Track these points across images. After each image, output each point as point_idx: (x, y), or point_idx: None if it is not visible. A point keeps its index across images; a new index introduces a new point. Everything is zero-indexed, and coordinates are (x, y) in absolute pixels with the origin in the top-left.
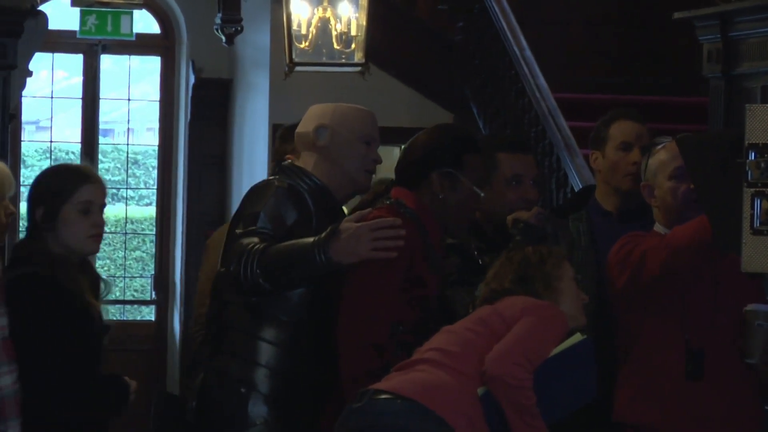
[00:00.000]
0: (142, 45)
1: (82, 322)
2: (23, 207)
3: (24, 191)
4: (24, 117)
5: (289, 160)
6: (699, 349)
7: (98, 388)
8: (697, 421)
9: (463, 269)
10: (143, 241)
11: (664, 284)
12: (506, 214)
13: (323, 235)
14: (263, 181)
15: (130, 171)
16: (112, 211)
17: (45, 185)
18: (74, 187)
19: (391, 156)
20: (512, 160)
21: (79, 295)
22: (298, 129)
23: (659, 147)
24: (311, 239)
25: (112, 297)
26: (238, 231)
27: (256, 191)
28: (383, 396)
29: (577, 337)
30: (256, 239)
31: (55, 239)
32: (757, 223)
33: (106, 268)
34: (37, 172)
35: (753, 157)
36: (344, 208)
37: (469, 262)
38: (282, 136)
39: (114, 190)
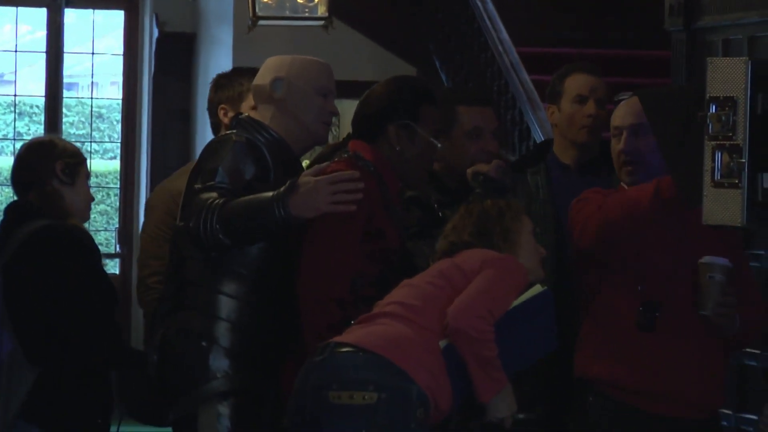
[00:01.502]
0: None
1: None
2: None
3: None
4: None
5: (246, 114)
6: (654, 301)
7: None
8: (653, 374)
9: (423, 222)
10: (107, 194)
11: (612, 243)
12: (467, 166)
13: (282, 189)
14: (220, 135)
15: (94, 125)
16: None
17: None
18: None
19: (354, 110)
20: (472, 112)
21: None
22: (255, 81)
23: (622, 100)
24: (270, 194)
25: None
26: (196, 186)
27: (214, 146)
28: (345, 349)
29: (537, 289)
30: (214, 194)
31: (62, 200)
32: (717, 176)
33: None
34: (1, 125)
35: (714, 110)
36: (304, 162)
37: (429, 215)
38: (217, 84)
39: (78, 144)
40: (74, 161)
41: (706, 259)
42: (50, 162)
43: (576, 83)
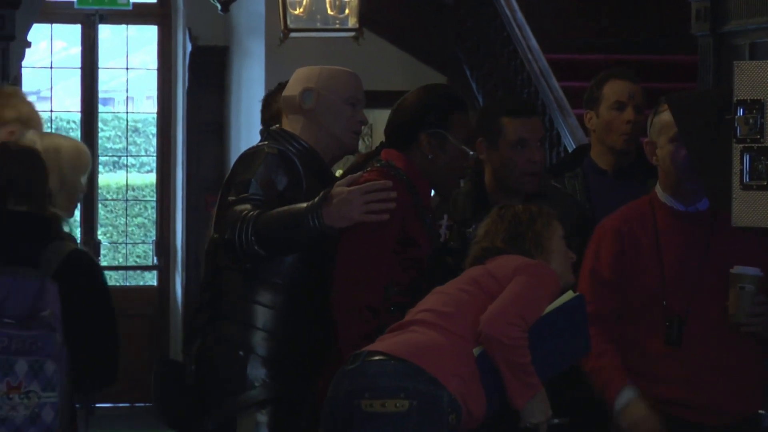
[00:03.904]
0: (139, 14)
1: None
2: None
3: None
4: (24, 87)
5: (277, 126)
6: (678, 314)
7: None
8: (683, 387)
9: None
10: (144, 207)
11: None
12: (514, 177)
13: (316, 200)
14: (253, 147)
15: (130, 139)
16: (114, 179)
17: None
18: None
19: (386, 119)
20: (516, 124)
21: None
22: (285, 93)
23: (666, 106)
24: (304, 204)
25: (114, 263)
26: (230, 198)
27: (247, 158)
28: (377, 357)
29: (570, 295)
30: (248, 206)
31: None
32: (746, 179)
33: (108, 235)
34: None
35: (741, 114)
36: (337, 171)
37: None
38: (266, 101)
39: (115, 158)
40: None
41: (736, 269)
42: (41, 180)
43: (614, 89)
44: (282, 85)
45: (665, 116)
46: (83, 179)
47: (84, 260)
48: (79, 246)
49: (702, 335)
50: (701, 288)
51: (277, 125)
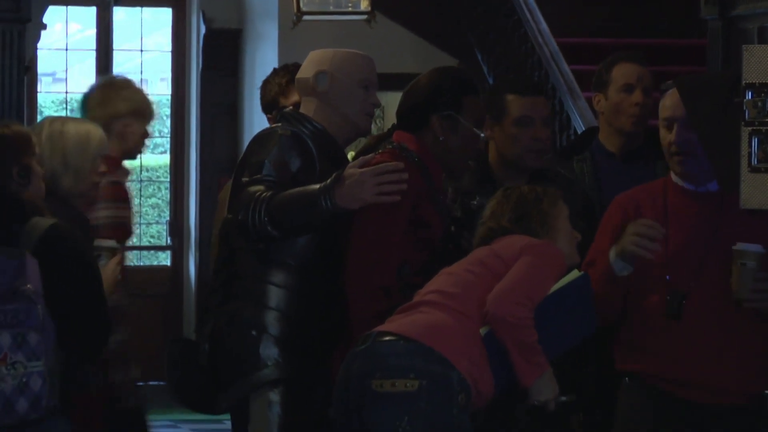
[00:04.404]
0: None
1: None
2: None
3: None
4: (40, 69)
5: (290, 107)
6: (680, 290)
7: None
8: (685, 364)
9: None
10: (158, 188)
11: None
12: (518, 154)
13: (328, 181)
14: (266, 129)
15: None
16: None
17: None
18: None
19: (398, 102)
20: (521, 101)
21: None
22: (298, 75)
23: (668, 90)
24: (317, 186)
25: (128, 243)
26: (244, 179)
27: (260, 139)
28: (387, 338)
29: (575, 274)
30: (261, 187)
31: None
32: (754, 161)
33: None
34: None
35: (750, 97)
36: (349, 153)
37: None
38: (264, 86)
39: None
40: (26, 161)
41: (738, 245)
42: (6, 165)
43: (623, 72)
44: (276, 71)
45: (663, 101)
46: (97, 162)
47: (63, 234)
48: (58, 222)
49: (704, 311)
50: (707, 265)
51: (290, 107)
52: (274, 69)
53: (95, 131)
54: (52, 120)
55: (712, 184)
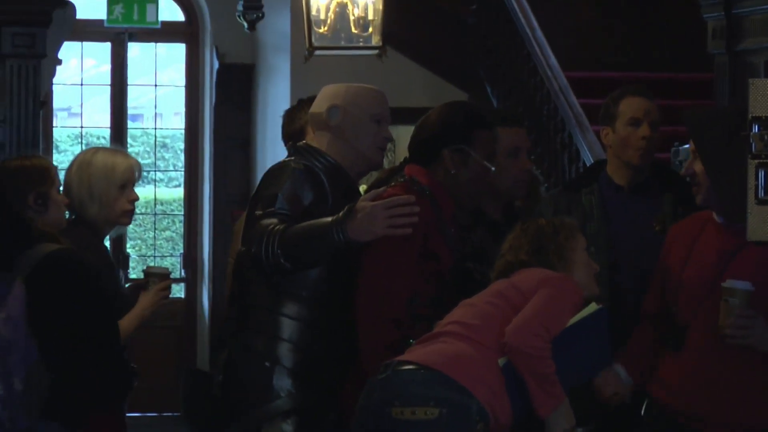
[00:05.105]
0: (167, 32)
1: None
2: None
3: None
4: (56, 104)
5: (304, 141)
6: (681, 321)
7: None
8: (681, 395)
9: (484, 242)
10: (173, 221)
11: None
12: (508, 186)
13: (341, 214)
14: (280, 162)
15: (158, 154)
16: (142, 193)
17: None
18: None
19: (409, 136)
20: (510, 133)
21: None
22: (312, 109)
23: (680, 149)
24: (329, 219)
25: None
26: (257, 212)
27: (274, 173)
28: (407, 367)
29: (593, 307)
30: (275, 220)
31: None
32: (761, 194)
33: (137, 248)
34: (69, 156)
35: (756, 130)
36: (361, 187)
37: (493, 232)
38: (289, 116)
39: (144, 173)
40: (44, 189)
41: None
42: (23, 193)
43: (630, 106)
44: (303, 102)
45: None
46: (124, 190)
47: (61, 261)
48: (63, 247)
49: (705, 344)
50: (711, 299)
51: (304, 141)
52: (300, 100)
53: (123, 161)
54: (87, 150)
55: None
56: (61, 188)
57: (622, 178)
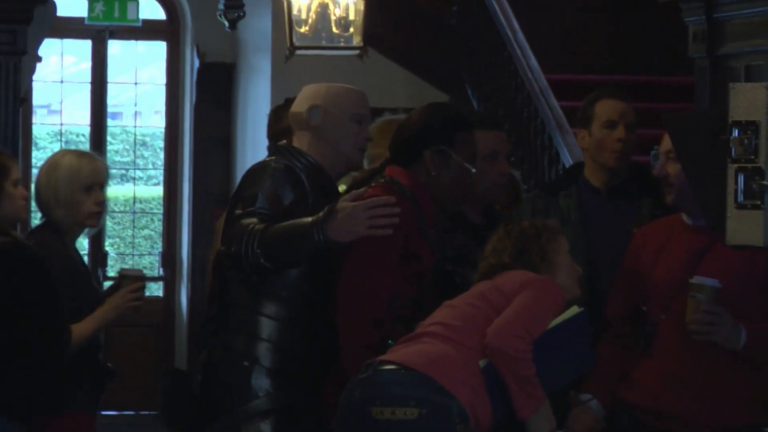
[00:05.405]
0: (148, 30)
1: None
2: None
3: (35, 172)
4: (35, 101)
5: (284, 141)
6: (650, 321)
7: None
8: (654, 395)
9: (465, 245)
10: (151, 219)
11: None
12: (487, 189)
13: (321, 214)
14: (260, 162)
15: (138, 152)
16: (122, 191)
17: None
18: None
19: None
20: (489, 136)
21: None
22: (292, 109)
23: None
24: (309, 219)
25: None
26: (237, 212)
27: (254, 172)
28: (388, 366)
29: (574, 310)
30: (255, 220)
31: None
32: (740, 198)
33: (115, 246)
34: (48, 153)
35: (736, 134)
36: (341, 186)
37: (473, 235)
38: (275, 114)
39: (123, 171)
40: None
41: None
42: None
43: (606, 108)
44: (289, 100)
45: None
46: (90, 193)
47: (12, 255)
48: (11, 240)
49: (675, 342)
50: (681, 298)
51: (284, 141)
52: (287, 99)
53: (88, 163)
54: (57, 152)
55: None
56: (33, 186)
57: (599, 181)
